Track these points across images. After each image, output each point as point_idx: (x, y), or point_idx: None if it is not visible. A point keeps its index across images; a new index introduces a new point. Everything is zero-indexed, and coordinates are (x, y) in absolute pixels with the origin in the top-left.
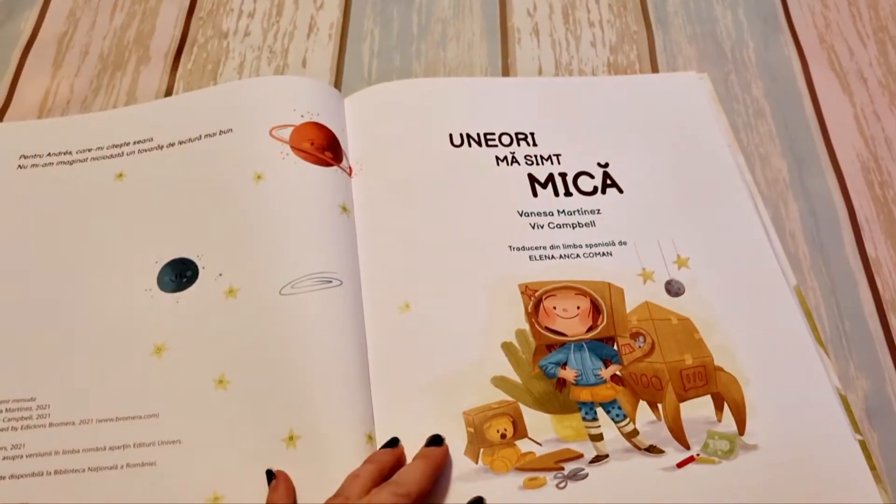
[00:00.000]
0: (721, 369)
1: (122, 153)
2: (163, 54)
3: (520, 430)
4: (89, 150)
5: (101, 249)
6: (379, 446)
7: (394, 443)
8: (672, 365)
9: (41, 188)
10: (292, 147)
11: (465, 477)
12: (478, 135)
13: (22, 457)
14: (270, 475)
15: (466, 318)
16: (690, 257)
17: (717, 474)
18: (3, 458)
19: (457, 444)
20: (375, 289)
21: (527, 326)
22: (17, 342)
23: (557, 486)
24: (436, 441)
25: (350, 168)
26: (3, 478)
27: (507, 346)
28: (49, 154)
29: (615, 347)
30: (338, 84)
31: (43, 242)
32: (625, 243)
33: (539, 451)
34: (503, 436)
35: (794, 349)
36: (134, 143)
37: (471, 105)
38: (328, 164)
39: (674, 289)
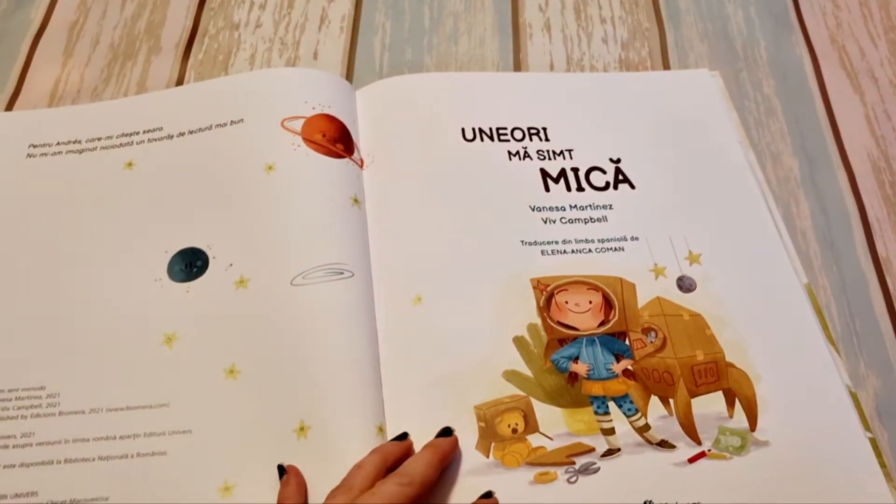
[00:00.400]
0: (732, 365)
1: (132, 142)
2: (174, 45)
3: (531, 425)
4: (98, 139)
5: (110, 238)
6: (389, 435)
7: (403, 437)
8: (683, 360)
9: (50, 177)
10: (304, 138)
11: (476, 471)
12: (490, 129)
13: (31, 445)
14: (282, 470)
15: (478, 311)
16: (702, 253)
17: (728, 470)
18: (13, 447)
19: (468, 438)
20: (387, 281)
21: (539, 321)
22: (27, 331)
23: (568, 480)
24: (445, 433)
25: (361, 160)
26: (13, 466)
27: (518, 341)
28: (58, 143)
29: (627, 342)
30: (349, 77)
31: (52, 231)
32: (637, 238)
33: (550, 445)
34: (514, 430)
35: (805, 346)
36: (144, 132)
37: (483, 100)
38: (339, 156)
39: (685, 285)
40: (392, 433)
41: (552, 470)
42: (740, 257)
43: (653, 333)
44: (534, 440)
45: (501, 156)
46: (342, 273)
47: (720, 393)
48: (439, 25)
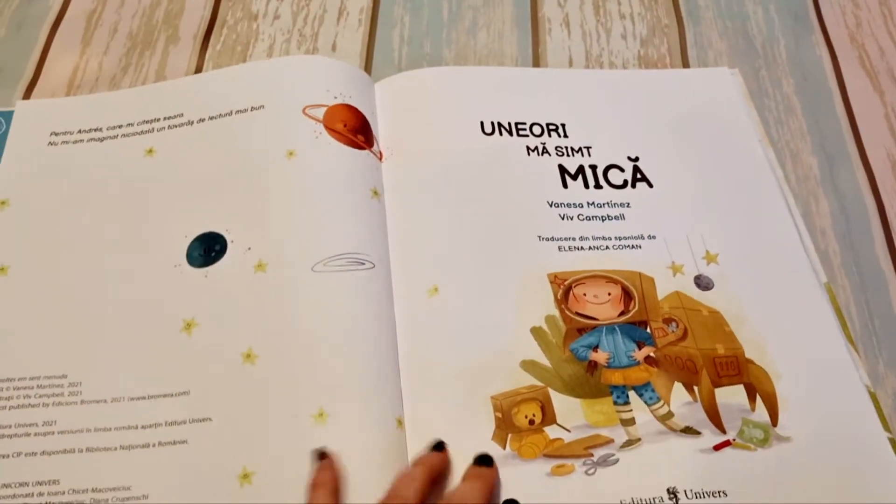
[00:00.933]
0: (752, 362)
1: (153, 129)
2: (192, 35)
3: (548, 416)
4: (120, 127)
5: (131, 225)
6: (408, 428)
7: (440, 447)
8: (705, 352)
9: (72, 165)
10: (326, 127)
11: None
12: (509, 124)
13: (53, 433)
14: (319, 455)
15: (496, 303)
16: (720, 253)
17: (753, 461)
18: (35, 434)
19: (484, 429)
20: (404, 273)
21: (556, 312)
22: (48, 319)
23: (586, 472)
24: (485, 461)
25: (380, 153)
26: (35, 454)
27: (536, 331)
28: (80, 131)
29: (648, 331)
30: (367, 69)
31: (74, 219)
32: (654, 237)
33: (568, 437)
34: (531, 422)
35: (825, 346)
36: (164, 118)
37: (502, 94)
38: (360, 148)
39: (703, 283)
40: (411, 425)
41: (570, 462)
42: (759, 256)
43: (674, 324)
44: (551, 432)
45: (520, 150)
46: (363, 263)
47: (742, 386)
48: (458, 19)
